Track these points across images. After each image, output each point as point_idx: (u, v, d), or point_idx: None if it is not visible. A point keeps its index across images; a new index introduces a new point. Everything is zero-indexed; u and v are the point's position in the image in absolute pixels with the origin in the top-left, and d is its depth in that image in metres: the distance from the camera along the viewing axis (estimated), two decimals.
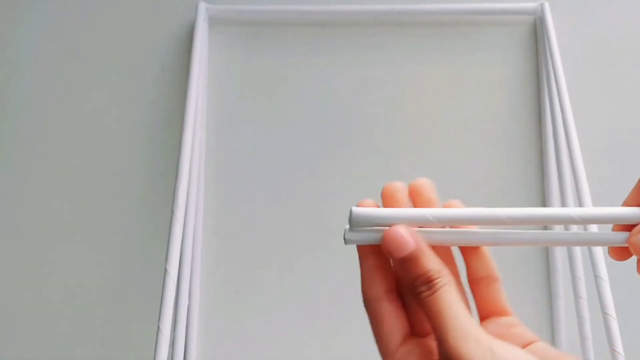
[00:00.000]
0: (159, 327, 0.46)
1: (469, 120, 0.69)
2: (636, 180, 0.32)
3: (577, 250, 0.60)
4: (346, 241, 0.29)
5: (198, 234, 0.65)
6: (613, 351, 0.48)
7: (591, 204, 0.55)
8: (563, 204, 0.62)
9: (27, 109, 0.70)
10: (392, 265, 0.29)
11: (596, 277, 0.52)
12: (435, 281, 0.27)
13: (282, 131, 0.68)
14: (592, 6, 0.71)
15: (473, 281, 0.31)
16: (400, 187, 0.32)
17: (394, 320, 0.29)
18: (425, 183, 0.32)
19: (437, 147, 0.68)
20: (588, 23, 0.71)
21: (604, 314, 0.50)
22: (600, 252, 0.53)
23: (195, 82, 0.63)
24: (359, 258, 0.30)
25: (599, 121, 0.68)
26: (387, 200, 0.31)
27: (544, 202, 0.66)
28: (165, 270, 0.49)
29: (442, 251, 0.30)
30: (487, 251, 0.32)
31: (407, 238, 0.28)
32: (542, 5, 0.69)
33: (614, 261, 0.63)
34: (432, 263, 0.28)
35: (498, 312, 0.30)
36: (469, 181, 0.67)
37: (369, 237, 0.29)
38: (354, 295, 0.66)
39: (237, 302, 0.65)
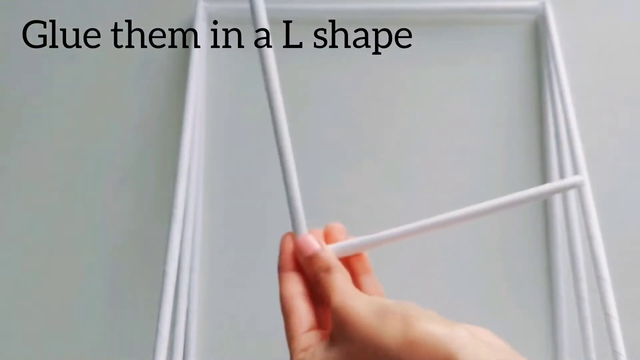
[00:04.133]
0: (157, 329, 0.46)
1: (469, 120, 0.68)
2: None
3: (579, 251, 0.60)
4: None
5: (197, 235, 0.65)
6: (615, 352, 0.48)
7: (593, 203, 0.55)
8: (565, 205, 0.62)
9: (26, 109, 0.70)
10: (303, 264, 0.39)
11: (598, 278, 0.52)
12: (333, 268, 0.37)
13: None
14: (595, 5, 0.71)
15: (357, 275, 0.41)
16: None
17: (303, 313, 0.37)
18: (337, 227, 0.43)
19: (436, 147, 0.68)
20: (590, 22, 0.70)
21: (606, 314, 0.50)
22: (602, 252, 0.53)
23: (194, 82, 0.63)
24: (280, 271, 0.40)
25: (601, 120, 0.68)
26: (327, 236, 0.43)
27: (546, 203, 0.66)
28: (164, 271, 0.49)
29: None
30: (367, 256, 0.42)
31: (313, 241, 0.39)
32: (543, 4, 0.68)
33: (616, 262, 0.63)
34: (332, 259, 0.38)
35: (372, 293, 0.40)
36: (469, 181, 0.67)
37: None
38: None
39: (237, 303, 0.65)
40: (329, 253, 0.39)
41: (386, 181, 0.67)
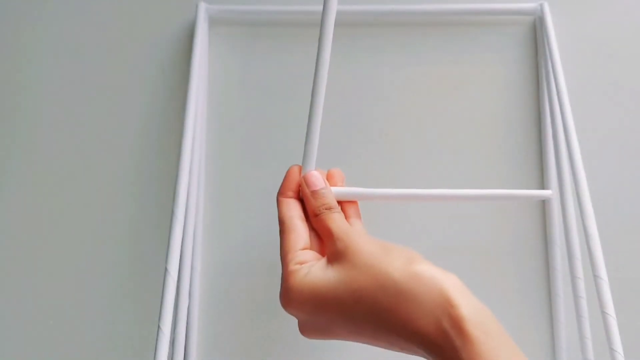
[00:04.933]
0: (159, 327, 0.47)
1: (467, 120, 0.69)
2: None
3: (577, 250, 0.60)
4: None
5: (198, 233, 0.65)
6: (612, 350, 0.49)
7: (590, 203, 0.55)
8: (562, 204, 0.62)
9: (27, 109, 0.70)
10: (306, 195, 0.42)
11: (595, 277, 0.52)
12: (333, 208, 0.41)
13: (282, 131, 0.69)
14: (592, 6, 0.71)
15: (348, 218, 0.44)
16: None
17: (302, 232, 0.40)
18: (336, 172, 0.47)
19: (435, 147, 0.68)
20: (588, 23, 0.71)
21: (603, 313, 0.50)
22: (599, 251, 0.53)
23: (195, 83, 0.63)
24: (280, 195, 0.43)
25: (598, 121, 0.68)
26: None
27: (544, 202, 0.66)
28: (166, 269, 0.49)
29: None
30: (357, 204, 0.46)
31: (320, 179, 0.42)
32: (541, 5, 0.69)
33: (614, 261, 0.63)
34: (334, 200, 0.42)
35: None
36: (467, 181, 0.67)
37: None
38: None
39: (238, 302, 0.65)
40: (332, 193, 0.42)
41: (384, 180, 0.67)
